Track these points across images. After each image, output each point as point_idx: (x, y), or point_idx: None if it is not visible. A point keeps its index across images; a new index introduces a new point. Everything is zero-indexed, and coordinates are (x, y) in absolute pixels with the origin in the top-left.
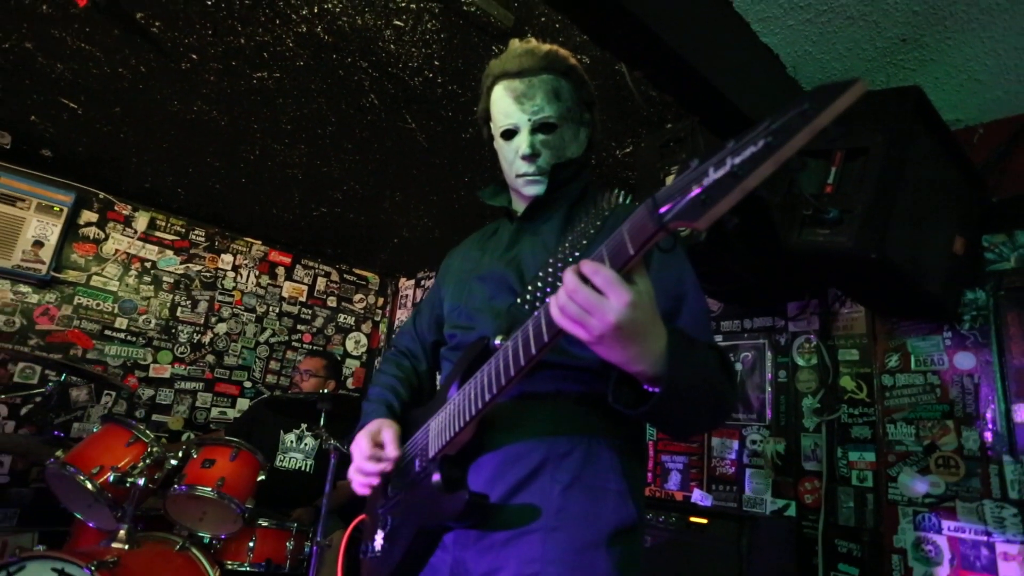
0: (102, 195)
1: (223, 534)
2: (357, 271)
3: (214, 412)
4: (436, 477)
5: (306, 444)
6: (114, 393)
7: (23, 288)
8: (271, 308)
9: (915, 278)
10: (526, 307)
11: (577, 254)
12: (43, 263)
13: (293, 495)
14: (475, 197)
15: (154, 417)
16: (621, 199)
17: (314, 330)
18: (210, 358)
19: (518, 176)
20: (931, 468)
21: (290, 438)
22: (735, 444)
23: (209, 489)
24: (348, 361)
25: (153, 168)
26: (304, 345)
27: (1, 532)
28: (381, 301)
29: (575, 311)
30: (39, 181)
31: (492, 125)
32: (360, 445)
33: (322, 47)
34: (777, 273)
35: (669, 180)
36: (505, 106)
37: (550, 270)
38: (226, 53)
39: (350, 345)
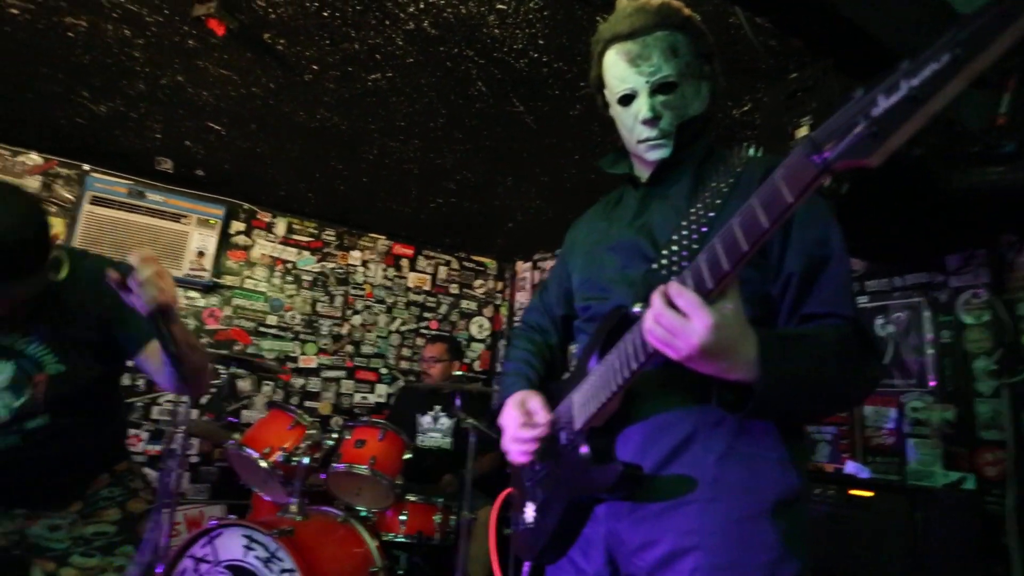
0: (246, 206)
1: (377, 508)
2: (475, 258)
3: (356, 397)
4: (584, 449)
5: (442, 423)
6: (272, 383)
7: (192, 294)
8: (399, 298)
9: None
10: (663, 272)
11: (712, 215)
12: (206, 271)
13: (437, 471)
14: (586, 175)
15: (306, 403)
16: (751, 152)
17: (440, 317)
18: (349, 348)
19: (640, 142)
20: None
21: (426, 420)
22: (893, 412)
23: (364, 467)
24: (473, 345)
25: (286, 177)
26: (431, 332)
27: (197, 504)
28: (500, 285)
29: (661, 334)
30: (196, 198)
31: (606, 92)
32: (510, 416)
33: (429, 41)
34: (933, 223)
35: (801, 132)
36: (620, 71)
37: (684, 233)
38: (343, 60)
39: (474, 329)
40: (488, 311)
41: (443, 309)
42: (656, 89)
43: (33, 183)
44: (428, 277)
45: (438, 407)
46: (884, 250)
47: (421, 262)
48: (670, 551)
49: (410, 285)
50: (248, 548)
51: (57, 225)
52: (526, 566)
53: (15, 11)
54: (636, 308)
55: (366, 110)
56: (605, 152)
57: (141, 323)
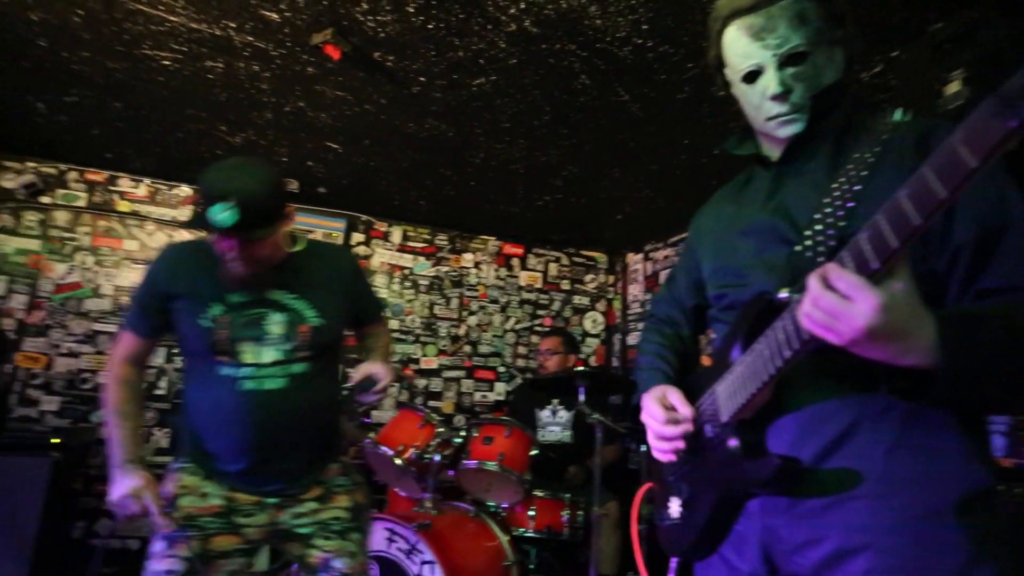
0: (364, 217)
1: (506, 503)
2: (585, 252)
3: (476, 396)
4: (733, 442)
5: (561, 417)
6: (398, 384)
7: None
8: (512, 298)
9: None
10: (808, 254)
11: (858, 188)
12: None
13: (560, 466)
14: (696, 160)
15: (430, 403)
16: (899, 116)
17: (553, 313)
18: (467, 348)
19: (768, 119)
20: None
21: (545, 414)
22: None
23: (493, 463)
24: (588, 340)
25: (399, 187)
26: (545, 328)
27: None
28: (612, 279)
29: (821, 317)
30: (319, 214)
31: (728, 71)
32: (653, 412)
33: (531, 40)
34: None
35: (952, 89)
36: (742, 47)
37: (828, 211)
38: (448, 68)
39: (588, 324)
40: (601, 305)
41: (556, 306)
42: (785, 61)
43: (185, 212)
44: (539, 275)
45: (556, 401)
46: None
47: (531, 260)
48: (836, 550)
49: (522, 284)
50: (390, 540)
51: None
52: (673, 562)
53: (167, 62)
54: (783, 293)
55: (472, 115)
56: (715, 135)
57: (371, 306)
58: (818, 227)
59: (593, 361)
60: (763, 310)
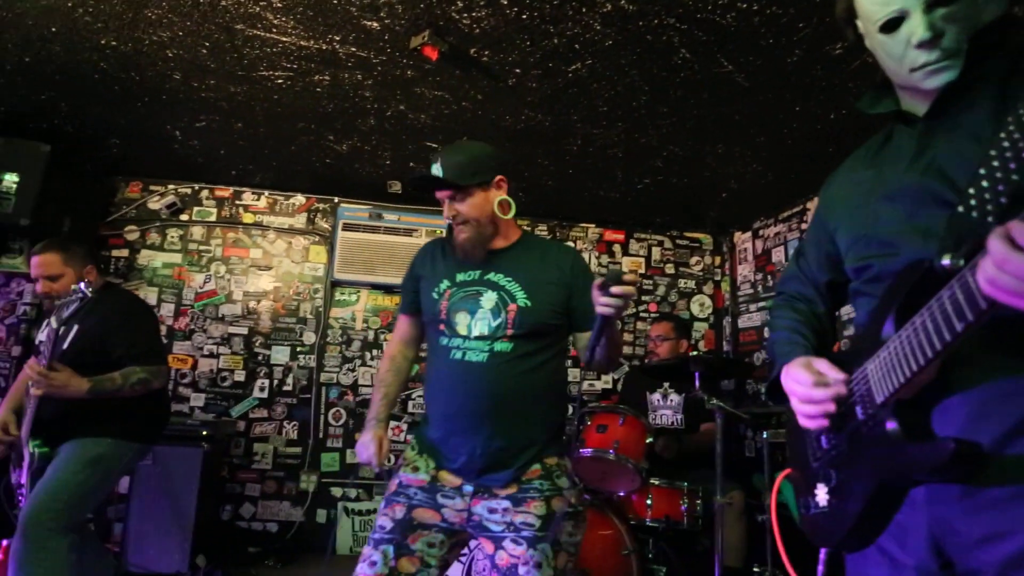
0: None
1: (622, 491)
2: (688, 234)
3: (584, 385)
4: (891, 425)
5: (671, 400)
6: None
7: None
8: None
9: None
10: (973, 215)
11: None
12: None
13: (674, 451)
14: (810, 126)
15: None
16: None
17: (658, 299)
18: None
19: (914, 70)
20: None
21: (656, 397)
22: None
23: (609, 452)
24: (696, 324)
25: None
26: (651, 314)
27: None
28: (718, 260)
29: (1009, 282)
30: (423, 212)
31: (861, 22)
32: (798, 376)
33: (627, 18)
34: None
35: None
36: None
37: (995, 164)
38: (543, 57)
39: (695, 308)
40: (708, 288)
41: (660, 291)
42: (933, 2)
43: (301, 220)
44: (642, 260)
45: (667, 384)
46: None
47: (633, 245)
48: None
49: (625, 270)
50: None
51: (319, 252)
52: (822, 553)
53: (280, 80)
54: (945, 260)
55: (568, 102)
56: (832, 98)
57: (590, 310)
58: (984, 184)
59: (702, 346)
60: (921, 280)
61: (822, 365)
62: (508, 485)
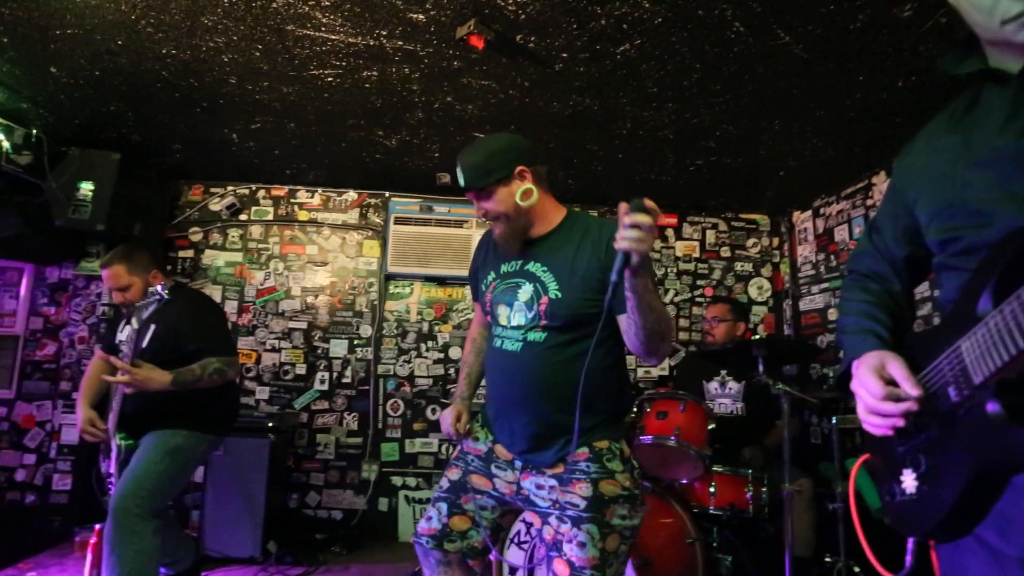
0: None
1: (684, 479)
2: (744, 216)
3: (640, 372)
4: (993, 407)
5: (730, 388)
6: None
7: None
8: (668, 269)
9: None
10: None
11: None
12: None
13: (733, 439)
14: (875, 96)
15: None
16: None
17: (714, 283)
18: None
19: (1007, 21)
20: None
21: (713, 386)
22: None
23: (670, 438)
24: (755, 308)
25: (548, 167)
26: (706, 299)
27: None
28: (776, 241)
29: None
30: (473, 204)
31: None
32: (868, 384)
33: None
34: None
35: None
36: None
37: None
38: (590, 40)
39: (753, 291)
40: (766, 271)
41: (716, 274)
42: None
43: (354, 216)
44: (696, 244)
45: (724, 371)
46: None
47: (687, 229)
48: None
49: (679, 254)
50: None
51: (373, 247)
52: (909, 542)
53: (330, 78)
54: None
55: (616, 85)
56: (899, 65)
57: (622, 291)
58: None
59: (761, 330)
60: (1022, 250)
61: (896, 370)
62: (554, 465)
